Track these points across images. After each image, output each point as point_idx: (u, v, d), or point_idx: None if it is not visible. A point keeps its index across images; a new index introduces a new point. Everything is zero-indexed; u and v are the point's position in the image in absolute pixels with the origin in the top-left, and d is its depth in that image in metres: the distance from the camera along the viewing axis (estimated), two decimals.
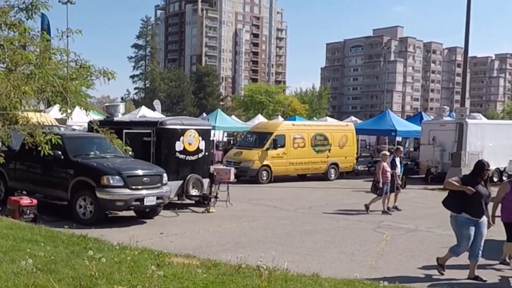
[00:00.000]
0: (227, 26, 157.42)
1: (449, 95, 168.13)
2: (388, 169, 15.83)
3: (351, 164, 26.56)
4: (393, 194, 16.18)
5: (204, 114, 44.55)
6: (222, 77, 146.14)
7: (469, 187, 8.31)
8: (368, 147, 42.17)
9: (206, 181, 15.83)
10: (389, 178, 15.79)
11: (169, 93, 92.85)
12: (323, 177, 25.04)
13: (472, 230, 8.39)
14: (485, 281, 8.38)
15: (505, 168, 24.71)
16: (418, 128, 27.71)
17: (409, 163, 24.46)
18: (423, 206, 16.87)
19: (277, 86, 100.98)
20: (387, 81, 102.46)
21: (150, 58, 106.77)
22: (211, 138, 23.14)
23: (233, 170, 16.47)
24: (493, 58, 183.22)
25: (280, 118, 48.35)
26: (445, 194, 21.14)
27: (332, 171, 25.46)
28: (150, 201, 12.65)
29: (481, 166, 8.62)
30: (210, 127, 18.20)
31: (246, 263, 8.04)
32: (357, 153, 28.46)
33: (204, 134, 16.33)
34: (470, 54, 25.04)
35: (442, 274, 8.67)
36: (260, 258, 7.87)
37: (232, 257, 8.53)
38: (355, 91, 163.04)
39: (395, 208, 16.01)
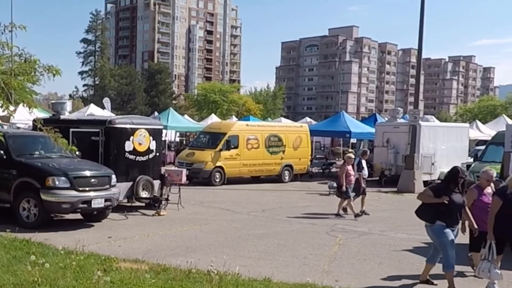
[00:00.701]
0: (180, 22, 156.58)
1: (403, 97, 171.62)
2: (352, 172, 15.94)
3: (305, 166, 26.74)
4: (359, 198, 16.23)
5: (156, 113, 44.17)
6: (175, 75, 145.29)
7: (443, 197, 8.13)
8: (322, 148, 42.60)
9: (157, 183, 15.67)
10: (353, 181, 15.89)
11: (119, 90, 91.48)
12: (277, 179, 25.14)
13: (451, 235, 8.20)
14: (436, 285, 8.57)
15: None
16: (372, 130, 28.03)
17: None
18: (377, 209, 17.14)
19: (232, 85, 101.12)
20: (342, 82, 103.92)
21: (99, 53, 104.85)
22: (163, 138, 22.98)
23: (185, 172, 16.39)
24: (447, 60, 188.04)
25: (234, 118, 48.39)
26: (399, 197, 21.58)
27: (286, 173, 25.59)
28: (98, 204, 12.45)
29: (455, 173, 8.38)
30: (162, 127, 18.05)
31: (196, 267, 8.05)
32: (311, 155, 28.69)
33: (155, 134, 16.17)
34: (424, 56, 25.67)
35: None
36: (211, 262, 7.89)
37: (182, 262, 8.51)
38: (310, 91, 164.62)
39: (363, 212, 15.95)
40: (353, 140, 33.99)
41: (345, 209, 15.90)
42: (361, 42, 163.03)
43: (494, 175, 9.27)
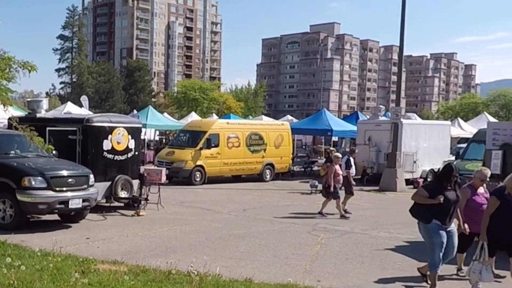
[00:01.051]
0: (159, 18, 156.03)
1: (385, 95, 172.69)
2: (340, 171, 15.88)
3: (286, 165, 26.76)
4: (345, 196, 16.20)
5: (135, 111, 43.98)
6: (154, 72, 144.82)
7: (439, 197, 8.00)
8: (304, 147, 42.70)
9: (136, 183, 15.59)
10: (341, 181, 15.84)
11: (97, 88, 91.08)
12: (258, 178, 25.17)
13: (444, 236, 8.14)
14: (428, 283, 8.52)
15: (439, 169, 25.38)
16: (354, 128, 28.13)
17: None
18: (359, 207, 17.21)
19: (212, 83, 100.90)
20: (324, 79, 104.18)
21: (77, 50, 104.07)
22: (142, 137, 22.84)
23: (164, 171, 16.31)
24: (428, 57, 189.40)
25: (215, 116, 48.40)
26: (381, 195, 21.65)
27: (268, 172, 25.61)
28: (75, 204, 12.34)
29: (449, 170, 8.28)
30: (141, 125, 17.94)
31: (176, 268, 8.04)
32: (293, 153, 28.74)
33: (134, 132, 16.07)
34: (405, 53, 25.84)
35: None
36: (191, 263, 7.89)
37: (162, 263, 8.50)
38: (292, 89, 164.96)
39: (345, 211, 15.88)
40: (334, 138, 34.11)
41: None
42: (342, 39, 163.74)
43: (489, 174, 9.15)
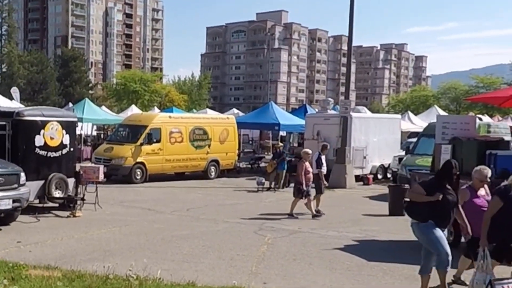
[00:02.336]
0: (96, 3, 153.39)
1: (335, 87, 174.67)
2: (310, 169, 15.78)
3: (232, 161, 26.76)
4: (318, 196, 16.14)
5: (70, 104, 43.13)
6: (91, 62, 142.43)
7: (437, 194, 7.64)
8: (251, 142, 42.82)
9: (71, 181, 15.34)
10: (311, 178, 15.77)
11: (29, 79, 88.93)
12: (202, 175, 25.09)
13: (439, 231, 7.73)
14: None
15: (389, 165, 25.88)
16: (303, 121, 28.08)
17: (293, 159, 24.82)
18: None
19: (153, 74, 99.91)
20: (271, 71, 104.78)
21: (6, 38, 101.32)
22: (78, 132, 22.48)
23: (102, 168, 16.09)
24: (379, 48, 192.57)
25: (156, 110, 48.02)
26: (330, 193, 21.87)
27: (212, 168, 25.56)
28: (5, 205, 12.08)
29: (448, 167, 7.92)
30: (76, 119, 17.63)
31: (114, 273, 8.01)
32: (239, 149, 28.77)
33: (69, 127, 15.80)
34: (355, 44, 26.13)
35: None
36: (130, 267, 7.84)
37: (99, 267, 8.42)
38: (238, 81, 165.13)
39: (318, 211, 15.85)
40: (282, 133, 34.29)
41: (318, 210, 15.76)
42: (290, 28, 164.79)
43: (489, 174, 8.66)
